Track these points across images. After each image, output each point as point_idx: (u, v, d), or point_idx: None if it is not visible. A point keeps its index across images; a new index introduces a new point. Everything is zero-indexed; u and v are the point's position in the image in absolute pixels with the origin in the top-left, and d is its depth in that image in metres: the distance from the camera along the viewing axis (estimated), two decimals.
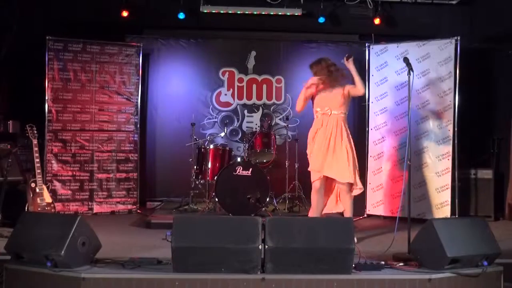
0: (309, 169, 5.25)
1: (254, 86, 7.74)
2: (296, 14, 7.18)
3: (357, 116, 7.37)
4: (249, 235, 3.65)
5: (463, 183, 6.49)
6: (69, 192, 6.69)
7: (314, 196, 5.18)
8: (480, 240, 3.88)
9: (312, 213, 5.22)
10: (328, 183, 5.24)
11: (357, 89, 5.15)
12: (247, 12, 7.24)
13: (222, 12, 7.16)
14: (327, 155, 5.08)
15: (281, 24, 7.47)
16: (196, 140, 6.77)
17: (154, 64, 7.60)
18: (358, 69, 7.31)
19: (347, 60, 5.17)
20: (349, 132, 5.21)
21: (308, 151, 5.29)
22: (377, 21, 7.28)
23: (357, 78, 5.12)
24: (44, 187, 5.56)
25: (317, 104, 5.25)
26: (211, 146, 6.56)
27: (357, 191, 5.17)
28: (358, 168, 5.18)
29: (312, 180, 5.22)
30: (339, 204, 5.30)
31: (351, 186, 5.13)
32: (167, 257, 3.82)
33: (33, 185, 5.47)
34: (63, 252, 3.56)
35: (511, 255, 4.24)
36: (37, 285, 3.64)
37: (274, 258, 3.63)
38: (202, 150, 6.61)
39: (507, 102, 6.87)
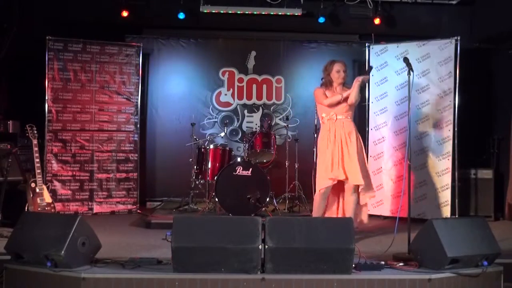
0: (318, 178, 5.08)
1: (254, 86, 7.74)
2: (296, 14, 7.18)
3: (357, 116, 7.32)
4: (249, 235, 3.65)
5: (463, 183, 6.49)
6: (69, 192, 6.69)
7: (317, 199, 5.10)
8: (480, 240, 3.88)
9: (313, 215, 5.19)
10: (333, 190, 5.16)
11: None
12: (247, 12, 7.24)
13: (222, 12, 7.15)
14: (339, 160, 4.98)
15: (281, 24, 7.47)
16: (196, 140, 6.77)
17: (154, 64, 7.60)
18: (358, 69, 7.44)
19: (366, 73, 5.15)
20: (359, 135, 5.13)
21: (319, 160, 5.13)
22: (377, 21, 7.29)
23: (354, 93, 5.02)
24: (44, 187, 5.56)
25: (323, 109, 5.15)
26: (211, 146, 6.55)
27: (369, 194, 5.12)
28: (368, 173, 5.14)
29: (319, 188, 5.06)
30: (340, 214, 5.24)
31: (356, 189, 5.05)
32: (167, 257, 3.83)
33: (33, 185, 5.47)
34: (63, 252, 3.56)
35: (511, 255, 4.24)
36: (37, 285, 3.64)
37: (274, 258, 3.63)
38: (202, 150, 6.60)
39: (507, 102, 6.87)
